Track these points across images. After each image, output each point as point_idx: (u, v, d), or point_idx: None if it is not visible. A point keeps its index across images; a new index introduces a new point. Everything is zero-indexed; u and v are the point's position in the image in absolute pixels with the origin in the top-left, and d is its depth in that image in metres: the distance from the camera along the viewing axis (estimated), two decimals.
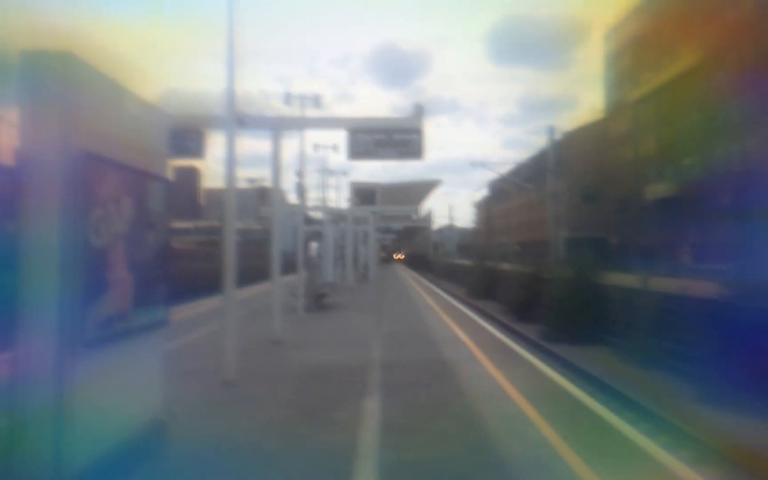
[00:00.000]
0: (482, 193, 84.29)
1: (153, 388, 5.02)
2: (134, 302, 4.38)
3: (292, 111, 15.89)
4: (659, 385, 14.50)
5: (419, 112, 10.76)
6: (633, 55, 49.12)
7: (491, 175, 69.29)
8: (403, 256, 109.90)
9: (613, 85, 52.92)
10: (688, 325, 14.85)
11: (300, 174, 17.23)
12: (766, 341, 11.61)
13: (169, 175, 5.23)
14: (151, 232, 4.76)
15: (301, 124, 12.73)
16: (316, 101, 15.99)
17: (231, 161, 7.82)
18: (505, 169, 62.58)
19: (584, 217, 52.22)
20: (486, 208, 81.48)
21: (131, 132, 4.57)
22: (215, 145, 10.55)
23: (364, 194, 35.58)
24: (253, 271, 29.19)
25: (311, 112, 15.88)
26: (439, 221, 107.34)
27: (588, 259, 24.57)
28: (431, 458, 5.26)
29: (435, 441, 5.73)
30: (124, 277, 4.25)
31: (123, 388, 4.31)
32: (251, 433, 6.00)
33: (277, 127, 10.36)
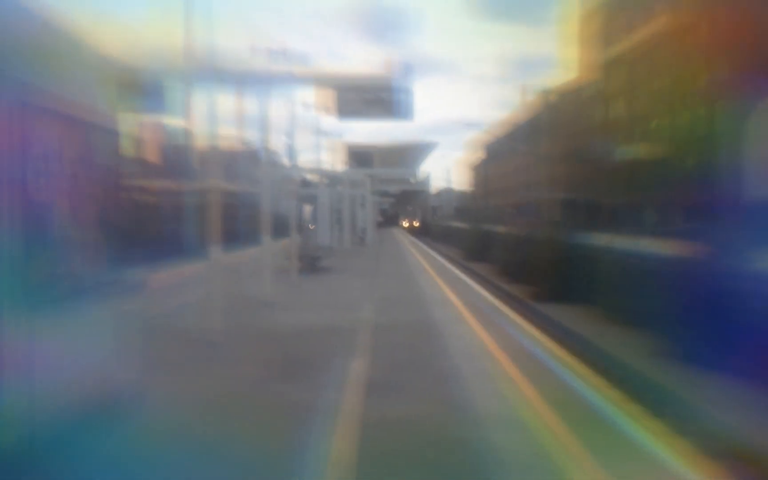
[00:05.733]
0: (477, 155, 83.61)
1: (120, 350, 4.87)
2: (88, 261, 4.20)
3: (278, 67, 15.51)
4: (640, 343, 14.61)
5: (408, 70, 10.56)
6: (623, 10, 48.10)
7: (484, 137, 68.67)
8: (417, 224, 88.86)
9: (607, 41, 51.87)
10: (659, 283, 14.91)
11: (289, 135, 17.00)
12: (729, 298, 11.64)
13: (128, 128, 5.01)
14: (105, 188, 4.53)
15: (286, 82, 12.48)
16: (304, 59, 15.65)
17: (212, 118, 7.68)
18: (499, 131, 61.87)
19: (580, 178, 51.92)
20: (482, 170, 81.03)
21: (78, 80, 4.28)
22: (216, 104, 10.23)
23: (360, 157, 35.22)
24: (249, 234, 29.07)
25: (298, 70, 15.53)
26: (437, 184, 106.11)
27: (579, 220, 24.61)
28: (413, 416, 5.29)
29: (418, 400, 5.76)
30: (72, 234, 4.02)
31: (79, 351, 4.12)
32: (233, 394, 6.00)
33: (262, 85, 10.15)
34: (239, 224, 22.97)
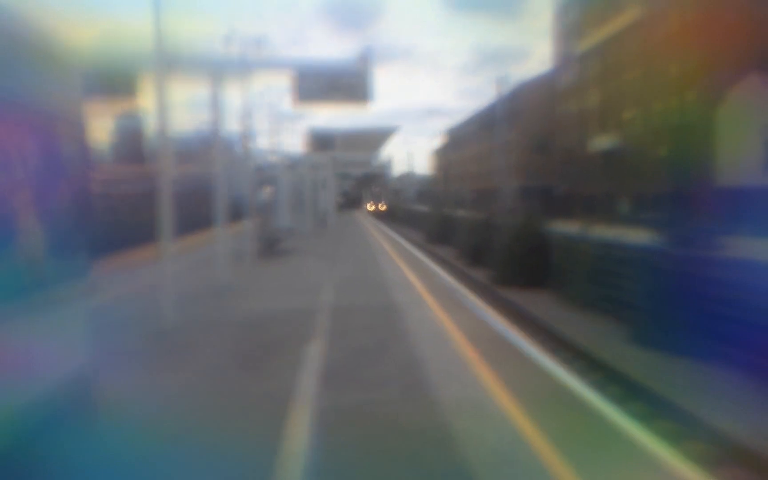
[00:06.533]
0: (439, 141, 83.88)
1: (74, 342, 4.76)
2: (46, 253, 4.11)
3: (235, 53, 15.14)
4: (594, 327, 15.11)
5: (366, 56, 10.49)
6: (582, 6, 48.90)
7: (448, 124, 68.96)
8: (384, 207, 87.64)
9: (565, 36, 52.69)
10: (623, 271, 15.47)
11: (245, 118, 16.68)
12: (692, 285, 12.19)
13: (85, 118, 4.85)
14: (64, 179, 4.44)
15: (242, 66, 12.18)
16: (260, 43, 15.35)
17: (162, 104, 7.41)
18: (461, 118, 62.21)
19: (536, 167, 52.88)
20: (443, 156, 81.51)
21: (34, 70, 4.16)
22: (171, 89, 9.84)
23: (322, 140, 34.94)
24: (208, 218, 28.37)
25: (256, 55, 15.19)
26: (399, 168, 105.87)
27: (536, 207, 25.19)
28: (367, 402, 5.29)
29: (373, 385, 5.76)
30: (31, 227, 3.96)
31: (35, 345, 4.06)
32: (184, 384, 5.89)
33: (215, 69, 9.86)
34: (196, 208, 22.46)
